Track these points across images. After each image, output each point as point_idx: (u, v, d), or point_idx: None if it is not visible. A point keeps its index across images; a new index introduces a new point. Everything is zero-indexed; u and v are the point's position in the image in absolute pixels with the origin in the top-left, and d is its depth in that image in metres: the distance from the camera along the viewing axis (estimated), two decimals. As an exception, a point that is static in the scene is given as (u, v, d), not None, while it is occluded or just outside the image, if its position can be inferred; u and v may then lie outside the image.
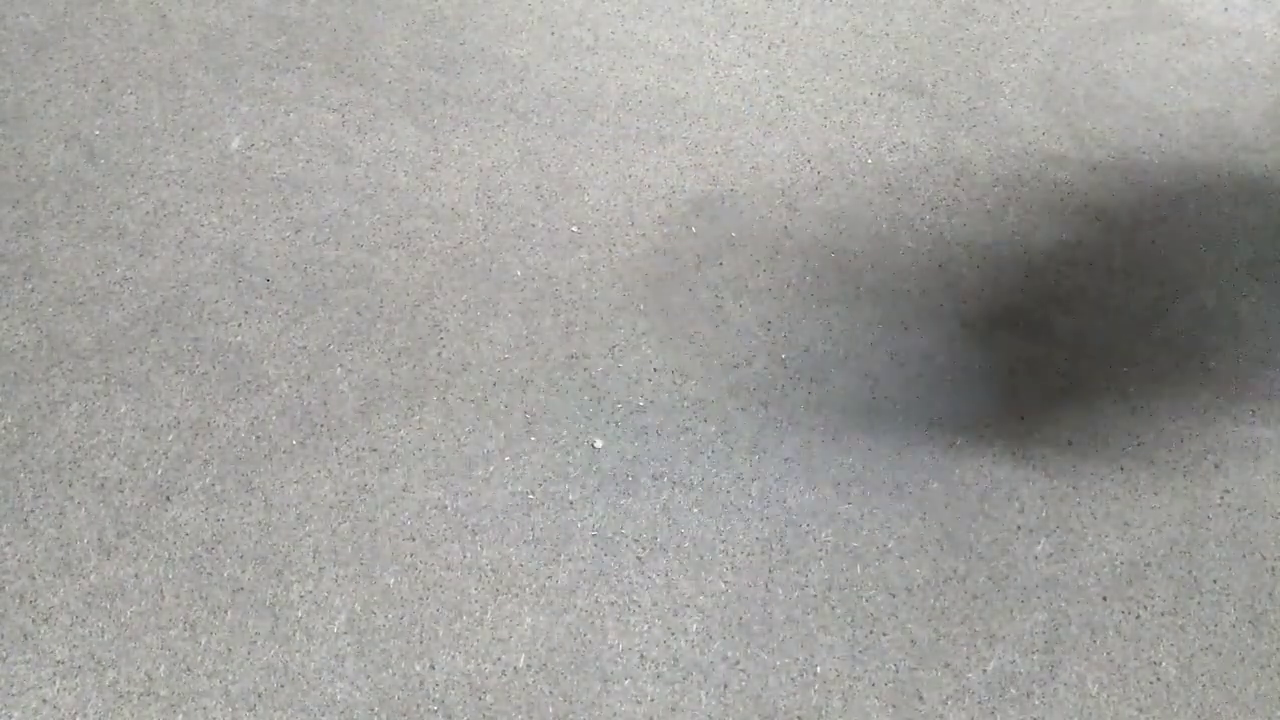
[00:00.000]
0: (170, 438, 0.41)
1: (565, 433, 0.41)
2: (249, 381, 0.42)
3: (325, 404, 0.42)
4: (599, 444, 0.41)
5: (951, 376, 0.43)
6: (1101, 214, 0.48)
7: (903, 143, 0.50)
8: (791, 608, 0.38)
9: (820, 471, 0.41)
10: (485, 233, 0.47)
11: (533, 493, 0.40)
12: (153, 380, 0.43)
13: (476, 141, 0.50)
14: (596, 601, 0.38)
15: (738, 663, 0.37)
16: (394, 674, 0.36)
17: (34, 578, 0.38)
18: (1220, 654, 0.37)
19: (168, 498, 0.40)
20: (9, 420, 0.41)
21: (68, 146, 0.50)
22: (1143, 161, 0.49)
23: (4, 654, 0.36)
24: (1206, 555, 0.39)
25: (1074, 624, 0.37)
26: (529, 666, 0.36)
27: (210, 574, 0.38)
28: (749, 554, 0.39)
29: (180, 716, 0.35)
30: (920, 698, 0.36)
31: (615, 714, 0.36)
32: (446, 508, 0.39)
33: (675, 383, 0.43)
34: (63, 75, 0.52)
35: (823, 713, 0.36)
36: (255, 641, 0.37)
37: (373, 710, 0.35)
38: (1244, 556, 0.39)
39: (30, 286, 0.45)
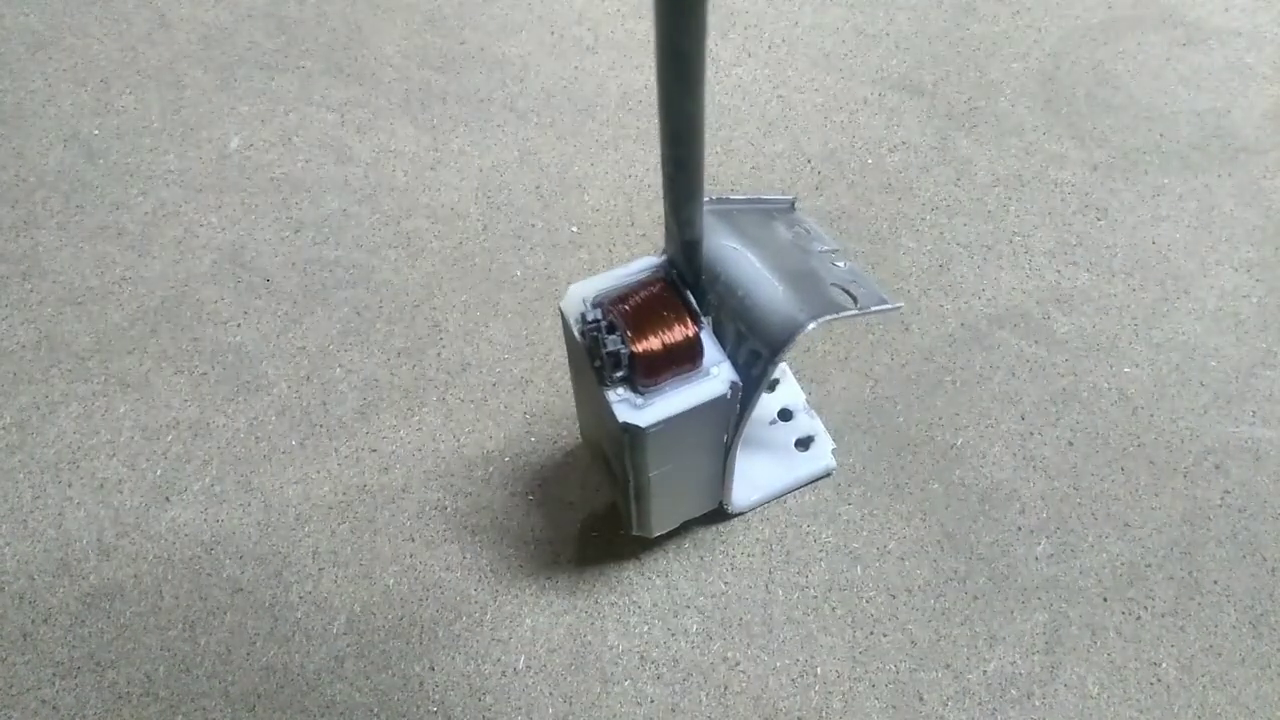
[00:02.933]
0: (169, 438, 0.41)
1: (565, 433, 0.41)
2: (248, 382, 0.42)
3: (325, 404, 0.42)
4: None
5: (952, 377, 0.43)
6: (1103, 214, 0.48)
7: (903, 143, 0.50)
8: (791, 609, 0.38)
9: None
10: (485, 233, 0.47)
11: (532, 494, 0.40)
12: (152, 380, 0.42)
13: (476, 141, 0.50)
14: (596, 602, 0.38)
15: (738, 663, 0.37)
16: (393, 675, 0.36)
17: (33, 578, 0.38)
18: (1221, 655, 0.37)
19: (167, 498, 0.40)
20: (7, 420, 0.41)
21: (66, 146, 0.49)
22: (1143, 161, 0.49)
23: (3, 654, 0.36)
24: (1207, 556, 0.39)
25: (1074, 625, 0.37)
26: (529, 667, 0.36)
27: (209, 575, 0.38)
28: (749, 555, 0.39)
29: (180, 717, 0.35)
30: (921, 698, 0.36)
31: (615, 715, 0.35)
32: (446, 508, 0.39)
33: (675, 383, 0.43)
34: (61, 75, 0.52)
35: (823, 713, 0.36)
36: (255, 642, 0.37)
37: (372, 711, 0.35)
38: (1245, 557, 0.39)
39: (29, 286, 0.45)
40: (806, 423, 0.41)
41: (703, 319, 0.31)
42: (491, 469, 0.40)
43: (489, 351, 0.43)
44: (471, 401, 0.42)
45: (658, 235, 0.46)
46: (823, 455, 0.40)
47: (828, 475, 0.40)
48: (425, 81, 0.52)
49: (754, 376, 0.31)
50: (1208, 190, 0.48)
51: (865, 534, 0.39)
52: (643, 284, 0.31)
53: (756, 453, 0.40)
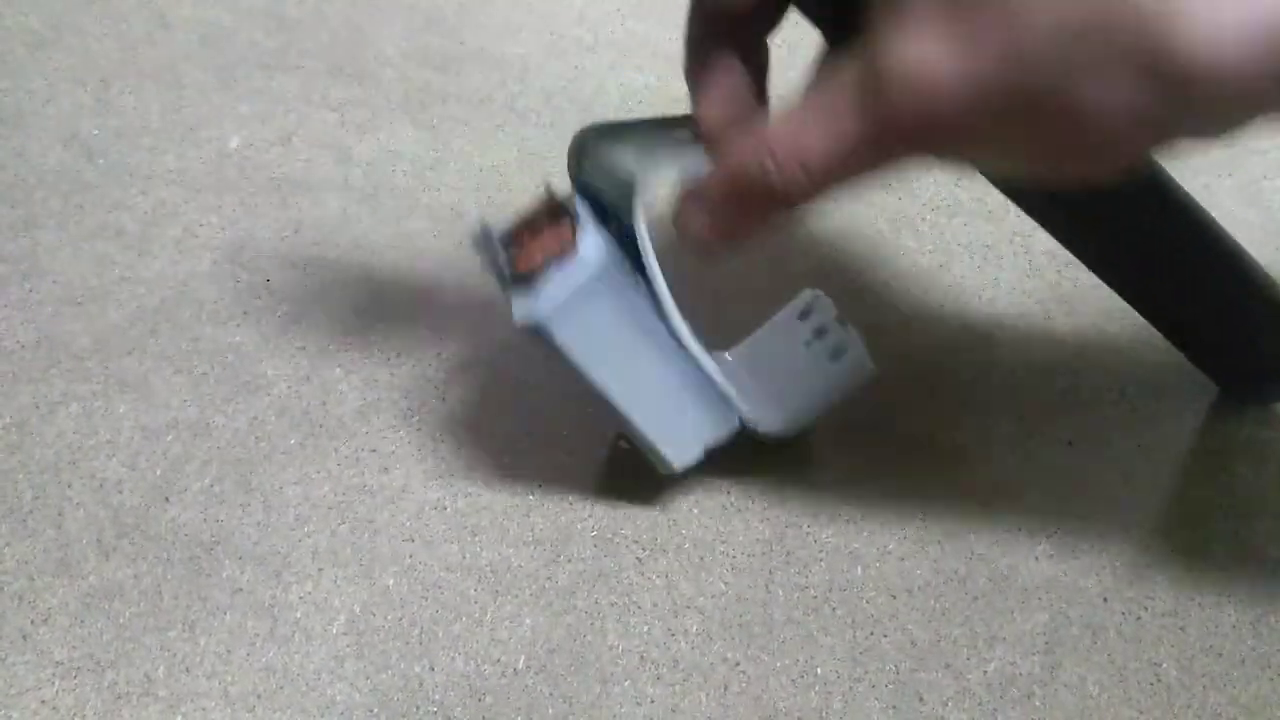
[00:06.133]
0: (169, 438, 0.41)
1: (565, 432, 0.41)
2: (248, 382, 0.42)
3: (324, 404, 0.42)
4: (600, 442, 0.41)
5: (952, 377, 0.43)
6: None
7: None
8: (792, 609, 0.38)
9: (821, 472, 0.41)
10: (485, 233, 0.47)
11: (532, 493, 0.40)
12: (151, 380, 0.42)
13: (476, 141, 0.50)
14: (596, 603, 0.38)
15: (738, 664, 0.37)
16: (393, 675, 0.36)
17: (32, 578, 0.38)
18: (1221, 655, 0.37)
19: (166, 498, 0.40)
20: (7, 420, 0.41)
21: (66, 146, 0.49)
22: (1143, 161, 0.49)
23: (3, 655, 0.36)
24: (1208, 556, 0.39)
25: (1075, 625, 0.37)
26: (528, 668, 0.36)
27: (209, 575, 0.38)
28: (749, 555, 0.39)
29: (179, 717, 0.35)
30: (921, 699, 0.36)
31: (615, 715, 0.35)
32: (446, 508, 0.39)
33: (675, 383, 0.43)
34: (61, 75, 0.52)
35: (823, 714, 0.36)
36: (254, 642, 0.37)
37: (372, 711, 0.35)
38: (1245, 558, 0.39)
39: (28, 286, 0.45)
40: (838, 336, 0.39)
41: (580, 219, 0.32)
42: (491, 469, 0.40)
43: (489, 351, 0.43)
44: (472, 401, 0.42)
45: (658, 236, 0.46)
46: (859, 360, 0.38)
47: (867, 380, 0.38)
48: (425, 81, 0.52)
49: (628, 243, 0.33)
50: (1208, 190, 0.48)
51: (865, 534, 0.39)
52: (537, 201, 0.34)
53: (788, 376, 0.39)
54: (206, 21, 0.54)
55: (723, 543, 0.39)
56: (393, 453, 0.41)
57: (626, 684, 0.36)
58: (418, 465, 0.40)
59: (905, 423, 0.42)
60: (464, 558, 0.38)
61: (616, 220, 0.33)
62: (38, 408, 0.42)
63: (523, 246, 0.32)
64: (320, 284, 0.45)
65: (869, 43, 0.24)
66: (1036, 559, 0.39)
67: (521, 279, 0.32)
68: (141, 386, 0.42)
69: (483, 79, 0.53)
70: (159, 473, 0.40)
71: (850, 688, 0.36)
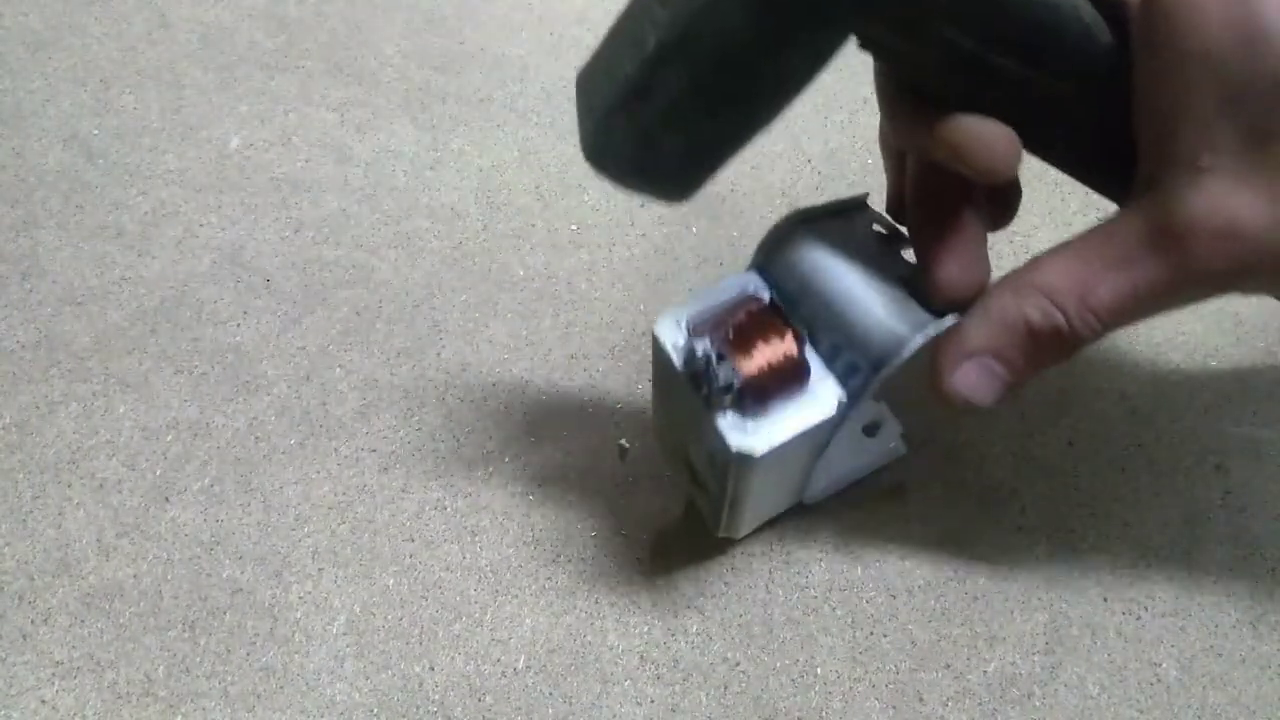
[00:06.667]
0: (169, 438, 0.41)
1: (565, 433, 0.41)
2: (248, 382, 0.42)
3: (324, 404, 0.42)
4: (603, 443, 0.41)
5: (952, 377, 0.43)
6: (1102, 214, 0.48)
7: (903, 143, 0.50)
8: (791, 609, 0.38)
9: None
10: (485, 232, 0.47)
11: (532, 494, 0.40)
12: (151, 380, 0.42)
13: (476, 141, 0.50)
14: (596, 603, 0.38)
15: (738, 664, 0.37)
16: (393, 675, 0.36)
17: (32, 578, 0.38)
18: (1221, 655, 0.37)
19: (167, 498, 0.40)
20: (7, 420, 0.41)
21: (66, 146, 0.49)
22: (1143, 161, 0.49)
23: (2, 655, 0.36)
24: (1207, 556, 0.39)
25: (1074, 625, 0.38)
26: (529, 668, 0.36)
27: (209, 575, 0.38)
28: (749, 555, 0.39)
29: (179, 717, 0.35)
30: (921, 699, 0.36)
31: (615, 715, 0.35)
32: (446, 508, 0.39)
33: (675, 383, 0.43)
34: (61, 75, 0.52)
35: (823, 714, 0.36)
36: (254, 642, 0.37)
37: (372, 711, 0.35)
38: (1245, 558, 0.39)
39: (29, 286, 0.45)
40: (873, 409, 0.40)
41: (803, 335, 0.30)
42: (491, 469, 0.40)
43: (489, 351, 0.43)
44: (471, 401, 0.42)
45: (659, 235, 0.46)
46: (890, 439, 0.40)
47: (896, 458, 0.40)
48: (425, 81, 0.52)
49: (852, 389, 0.30)
50: None
51: (865, 534, 0.39)
52: (739, 305, 0.31)
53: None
54: (206, 21, 0.54)
55: (723, 542, 0.39)
56: (393, 453, 0.41)
57: (626, 684, 0.36)
58: (418, 465, 0.40)
59: (905, 423, 0.41)
60: (464, 558, 0.38)
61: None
62: (37, 407, 0.42)
63: (737, 350, 0.30)
64: (320, 284, 0.45)
65: (1156, 196, 0.26)
66: (1036, 559, 0.39)
67: (740, 396, 0.29)
68: (141, 386, 0.42)
69: (483, 79, 0.53)
70: (159, 473, 0.40)
71: (850, 687, 0.36)
